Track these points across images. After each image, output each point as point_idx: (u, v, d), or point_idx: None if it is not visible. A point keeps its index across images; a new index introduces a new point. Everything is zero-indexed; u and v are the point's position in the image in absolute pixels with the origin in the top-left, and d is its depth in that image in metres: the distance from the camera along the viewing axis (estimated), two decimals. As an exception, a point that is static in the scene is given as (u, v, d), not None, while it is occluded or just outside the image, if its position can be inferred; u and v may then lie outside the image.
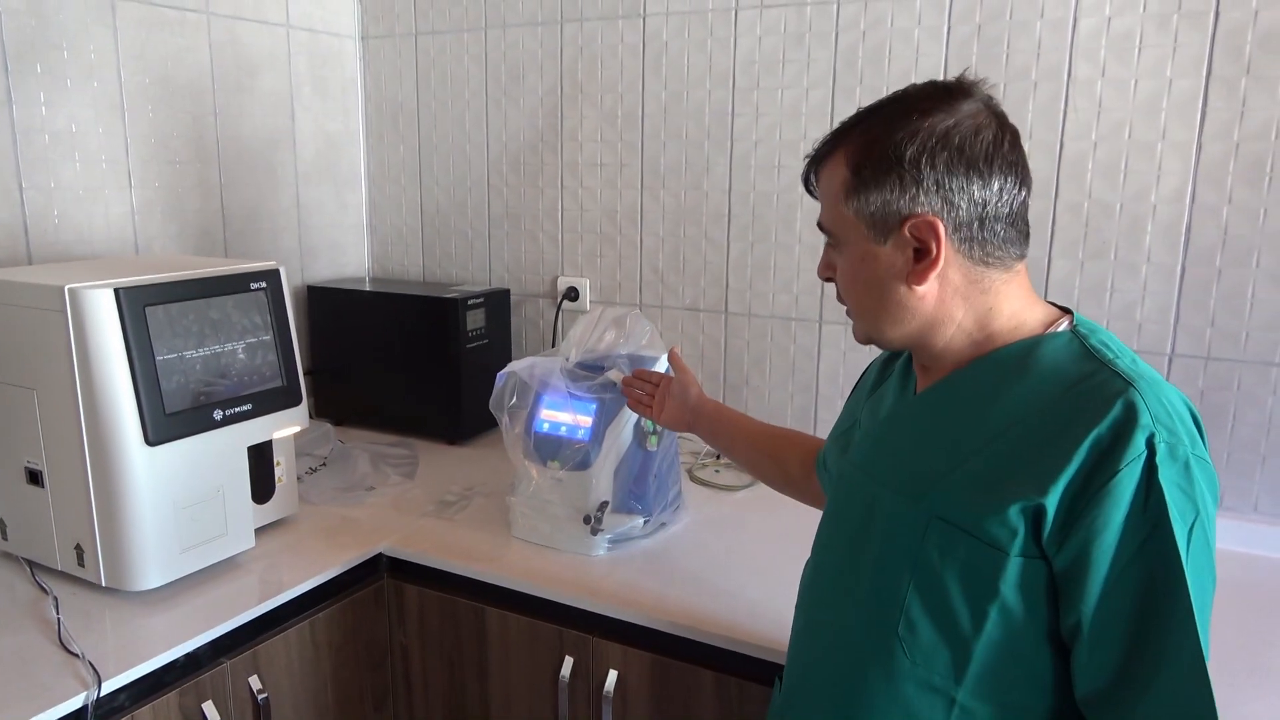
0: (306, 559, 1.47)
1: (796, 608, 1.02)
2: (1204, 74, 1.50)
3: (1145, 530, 0.74)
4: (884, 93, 0.88)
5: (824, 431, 1.21)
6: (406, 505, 1.70)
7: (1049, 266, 1.65)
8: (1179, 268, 1.57)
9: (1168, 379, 1.59)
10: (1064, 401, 0.79)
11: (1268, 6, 1.45)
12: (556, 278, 2.14)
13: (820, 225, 0.91)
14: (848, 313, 0.93)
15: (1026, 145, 1.61)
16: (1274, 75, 1.46)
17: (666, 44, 1.91)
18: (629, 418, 1.50)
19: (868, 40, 1.73)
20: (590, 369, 1.55)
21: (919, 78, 1.30)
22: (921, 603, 0.84)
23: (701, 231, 1.95)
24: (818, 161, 0.89)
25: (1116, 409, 0.76)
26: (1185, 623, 0.74)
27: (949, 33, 1.66)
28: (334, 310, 2.13)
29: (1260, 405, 1.54)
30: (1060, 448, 0.76)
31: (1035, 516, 0.77)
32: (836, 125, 0.88)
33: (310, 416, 2.10)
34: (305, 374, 1.59)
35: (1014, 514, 0.78)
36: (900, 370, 0.99)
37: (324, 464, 1.86)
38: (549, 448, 1.52)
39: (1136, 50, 1.54)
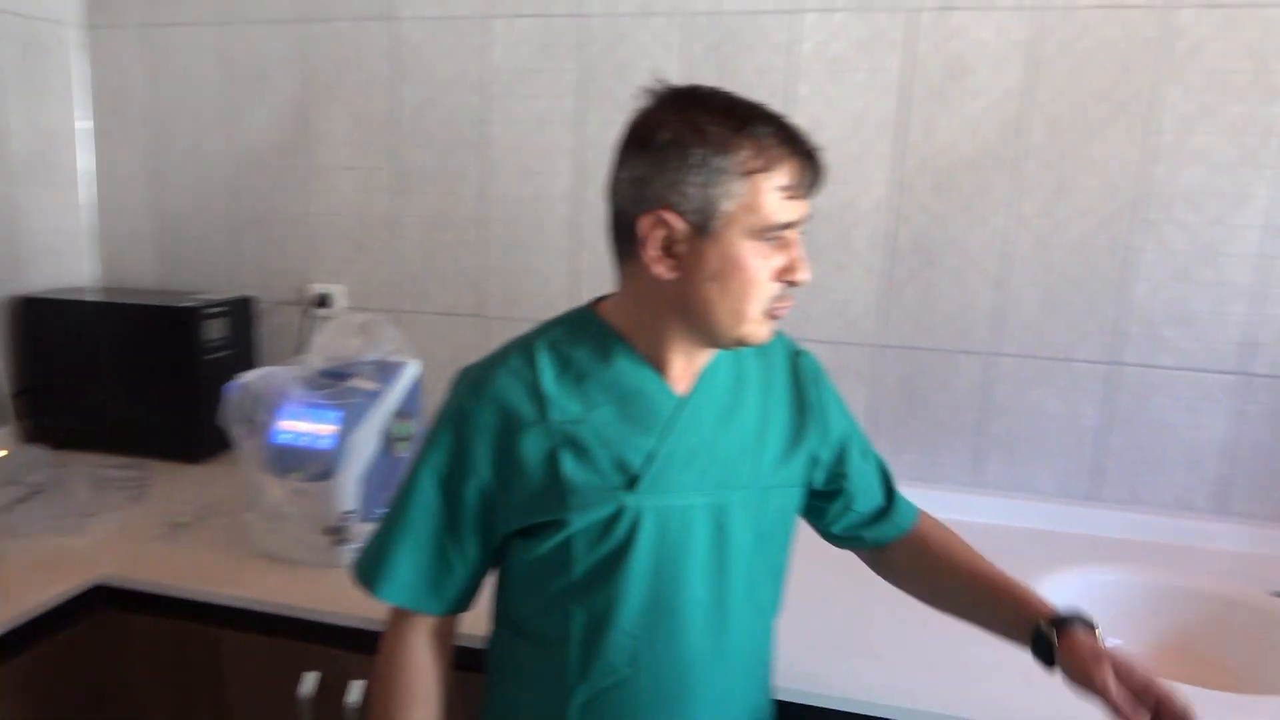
0: (8, 596, 1.33)
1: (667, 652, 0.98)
2: (900, 96, 1.68)
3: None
4: (626, 103, 0.92)
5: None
6: (133, 530, 1.57)
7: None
8: (884, 268, 1.74)
9: (877, 368, 1.76)
10: (769, 364, 1.04)
11: (951, 38, 1.64)
12: (307, 284, 2.06)
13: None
14: (786, 311, 0.94)
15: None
16: (956, 97, 1.65)
17: (419, 48, 1.90)
18: (376, 423, 1.47)
19: (616, 53, 1.79)
20: (335, 376, 1.51)
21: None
22: (776, 560, 1.05)
23: (457, 236, 1.94)
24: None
25: (783, 353, 1.06)
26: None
27: (688, 50, 1.76)
28: (53, 323, 1.94)
29: (950, 388, 1.74)
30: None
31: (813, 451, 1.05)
32: (779, 113, 0.89)
33: (23, 440, 1.90)
34: (15, 394, 1.44)
35: (806, 457, 1.04)
36: (600, 385, 0.95)
37: (37, 491, 1.68)
38: (289, 459, 1.45)
39: (846, 73, 1.69)
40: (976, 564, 1.07)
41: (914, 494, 1.18)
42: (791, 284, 0.91)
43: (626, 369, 0.95)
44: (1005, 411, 1.74)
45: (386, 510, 1.01)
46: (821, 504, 1.10)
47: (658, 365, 0.96)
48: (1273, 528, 1.64)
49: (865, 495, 1.11)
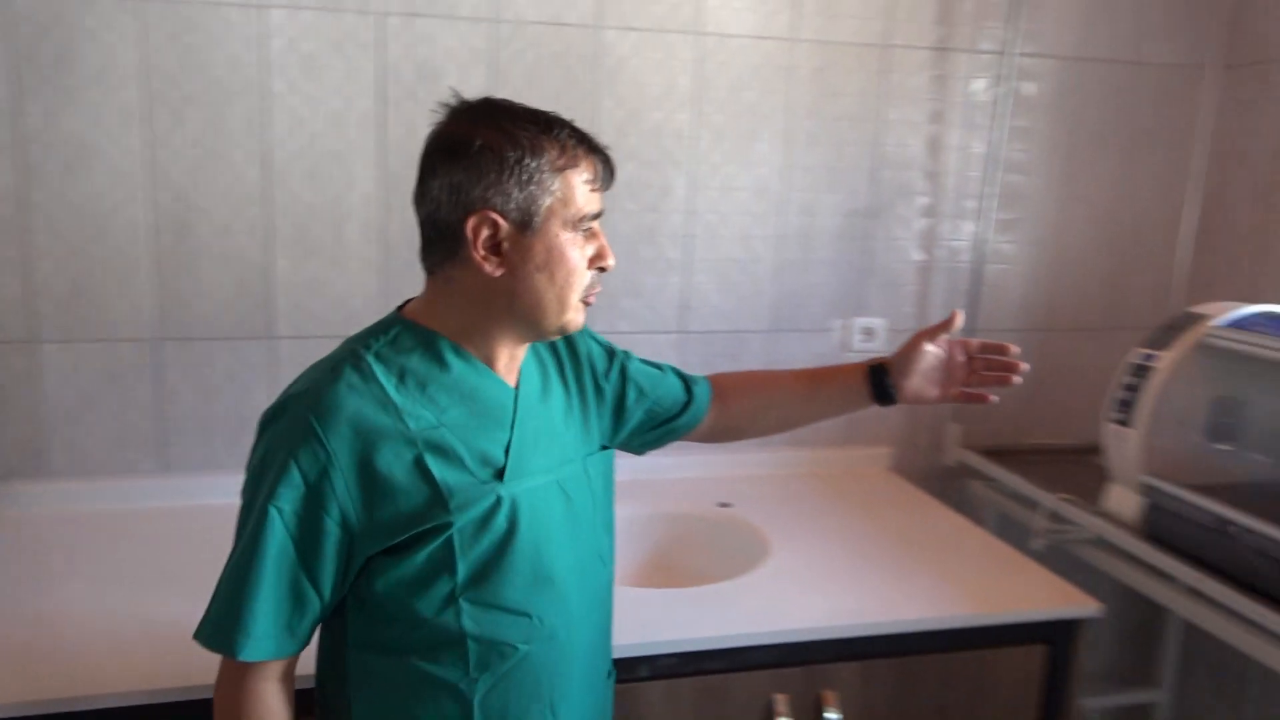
0: None
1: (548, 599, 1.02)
2: (377, 96, 1.75)
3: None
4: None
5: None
6: None
7: (274, 266, 1.75)
8: (380, 261, 1.81)
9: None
10: (553, 349, 1.13)
11: (419, 43, 1.75)
12: None
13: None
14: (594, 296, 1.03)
15: (237, 155, 1.75)
16: (429, 98, 1.76)
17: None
18: None
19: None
20: None
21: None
22: (607, 515, 1.15)
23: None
24: None
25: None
26: None
27: (145, 41, 1.63)
28: None
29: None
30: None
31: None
32: (574, 124, 0.98)
33: None
34: None
35: (600, 416, 1.16)
36: (443, 389, 0.98)
37: None
38: None
39: (322, 71, 1.72)
40: (777, 376, 1.33)
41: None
42: (602, 269, 1.00)
43: (464, 370, 0.99)
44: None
45: (230, 562, 0.93)
46: (655, 430, 1.25)
47: (489, 362, 1.01)
48: (709, 453, 2.04)
49: (669, 396, 1.25)
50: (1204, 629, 1.52)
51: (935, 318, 2.07)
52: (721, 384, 1.32)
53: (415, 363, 0.97)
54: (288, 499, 0.90)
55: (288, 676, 0.97)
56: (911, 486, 2.05)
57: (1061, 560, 1.81)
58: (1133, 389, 1.66)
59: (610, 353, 1.20)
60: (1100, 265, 2.18)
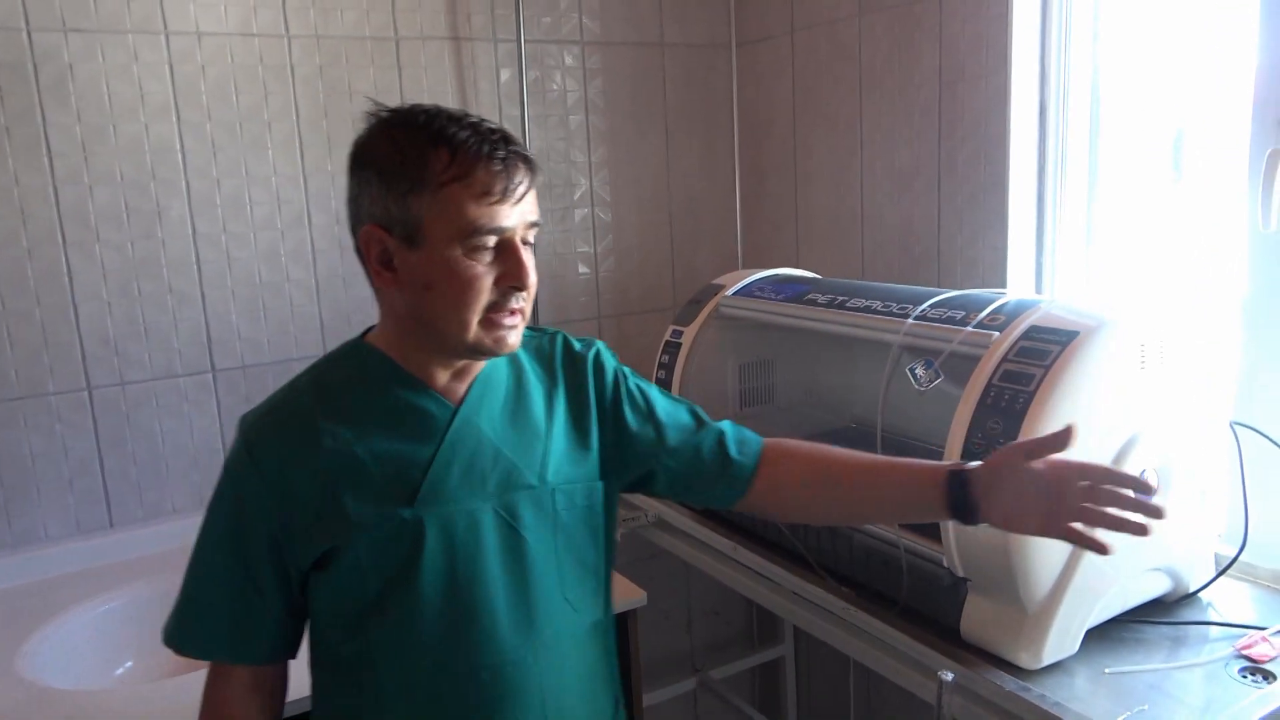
0: None
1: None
2: (295, 116, 1.75)
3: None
4: None
5: None
6: None
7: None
8: (314, 281, 1.81)
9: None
10: (549, 365, 1.06)
11: (332, 64, 1.76)
12: None
13: (540, 224, 0.95)
14: (520, 315, 0.95)
15: (152, 186, 1.64)
16: (345, 114, 1.48)
17: None
18: None
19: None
20: None
21: None
22: (585, 556, 1.04)
23: None
24: (531, 158, 0.93)
25: (562, 352, 1.08)
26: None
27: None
28: None
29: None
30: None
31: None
32: (486, 123, 0.92)
33: None
34: None
35: (603, 451, 1.06)
36: (368, 407, 0.96)
37: None
38: None
39: (235, 96, 1.69)
40: (840, 459, 1.06)
41: None
42: (515, 289, 0.92)
43: (393, 387, 0.96)
44: (-18, 466, 1.59)
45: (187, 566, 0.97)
46: (668, 492, 1.11)
47: (424, 378, 0.97)
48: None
49: (696, 466, 1.08)
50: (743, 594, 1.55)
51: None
52: (777, 455, 1.10)
53: (345, 381, 0.98)
54: (223, 512, 0.96)
55: (260, 688, 0.98)
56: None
57: (640, 546, 1.80)
58: (667, 367, 1.66)
59: (643, 394, 1.10)
60: (662, 245, 2.21)
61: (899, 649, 1.23)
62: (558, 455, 1.02)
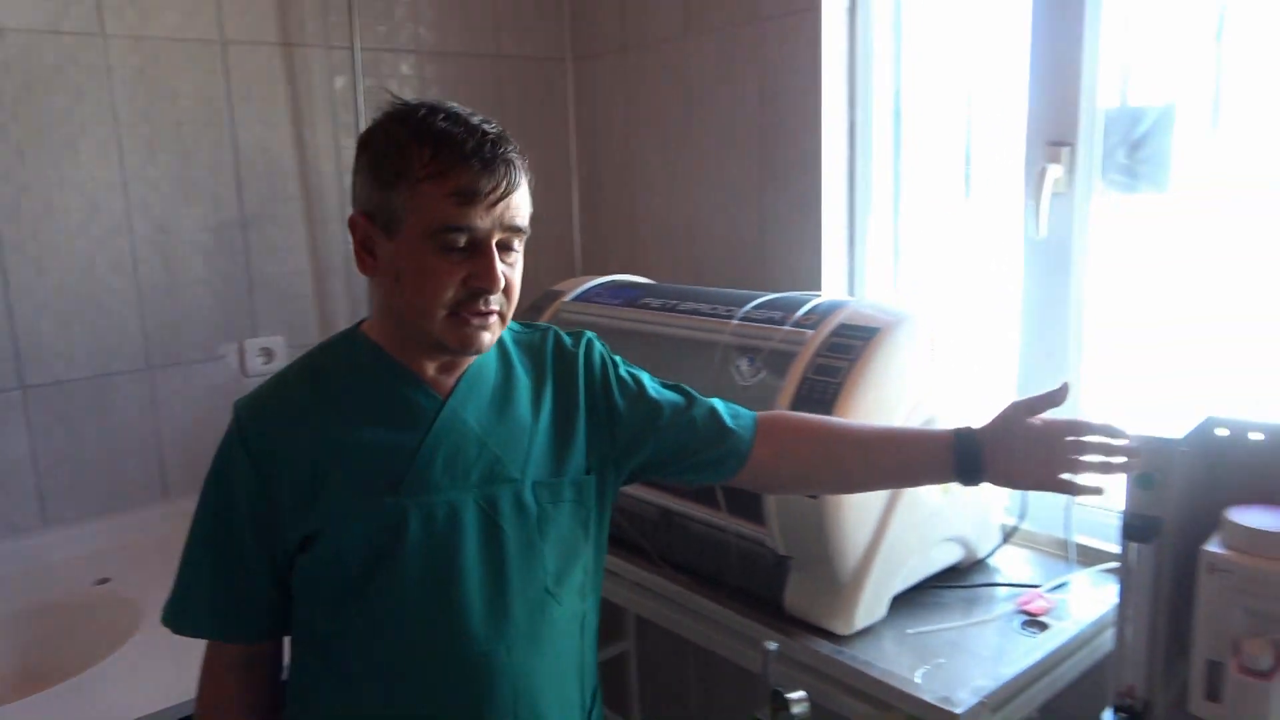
0: None
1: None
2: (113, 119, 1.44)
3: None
4: None
5: None
6: None
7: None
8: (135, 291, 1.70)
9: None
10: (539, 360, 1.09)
11: (153, 66, 1.36)
12: None
13: (523, 229, 0.96)
14: (495, 317, 0.96)
15: None
16: (169, 118, 1.31)
17: None
18: None
19: None
20: None
21: None
22: (571, 548, 1.04)
23: None
24: (519, 161, 0.95)
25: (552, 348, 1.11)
26: None
27: None
28: None
29: None
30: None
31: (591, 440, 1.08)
32: (482, 125, 0.93)
33: None
34: None
35: (590, 445, 1.07)
36: (357, 395, 0.98)
37: None
38: None
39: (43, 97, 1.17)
40: (844, 428, 1.12)
41: None
42: (482, 290, 0.92)
43: (383, 376, 0.98)
44: None
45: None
46: (670, 470, 1.12)
47: (414, 369, 0.98)
48: (90, 523, 1.74)
49: (693, 439, 1.10)
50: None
51: (336, 325, 1.97)
52: (773, 424, 1.12)
53: (337, 369, 0.99)
54: (212, 492, 0.98)
55: (254, 665, 1.01)
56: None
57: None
58: (509, 371, 1.70)
59: (633, 379, 1.12)
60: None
61: (731, 626, 1.32)
62: (543, 450, 1.03)
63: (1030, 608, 1.30)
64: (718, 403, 1.13)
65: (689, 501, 1.43)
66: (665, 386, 1.14)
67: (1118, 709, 1.05)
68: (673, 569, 1.46)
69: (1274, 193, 1.35)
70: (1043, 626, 1.26)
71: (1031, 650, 1.19)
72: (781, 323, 1.36)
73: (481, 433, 1.00)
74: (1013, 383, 1.54)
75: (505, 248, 0.94)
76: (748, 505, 1.31)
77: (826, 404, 1.20)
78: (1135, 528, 1.02)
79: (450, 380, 1.01)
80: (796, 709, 1.06)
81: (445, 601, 0.97)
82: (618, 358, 1.14)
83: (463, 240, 0.91)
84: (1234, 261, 1.39)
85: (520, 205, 0.95)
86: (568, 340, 1.12)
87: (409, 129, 0.91)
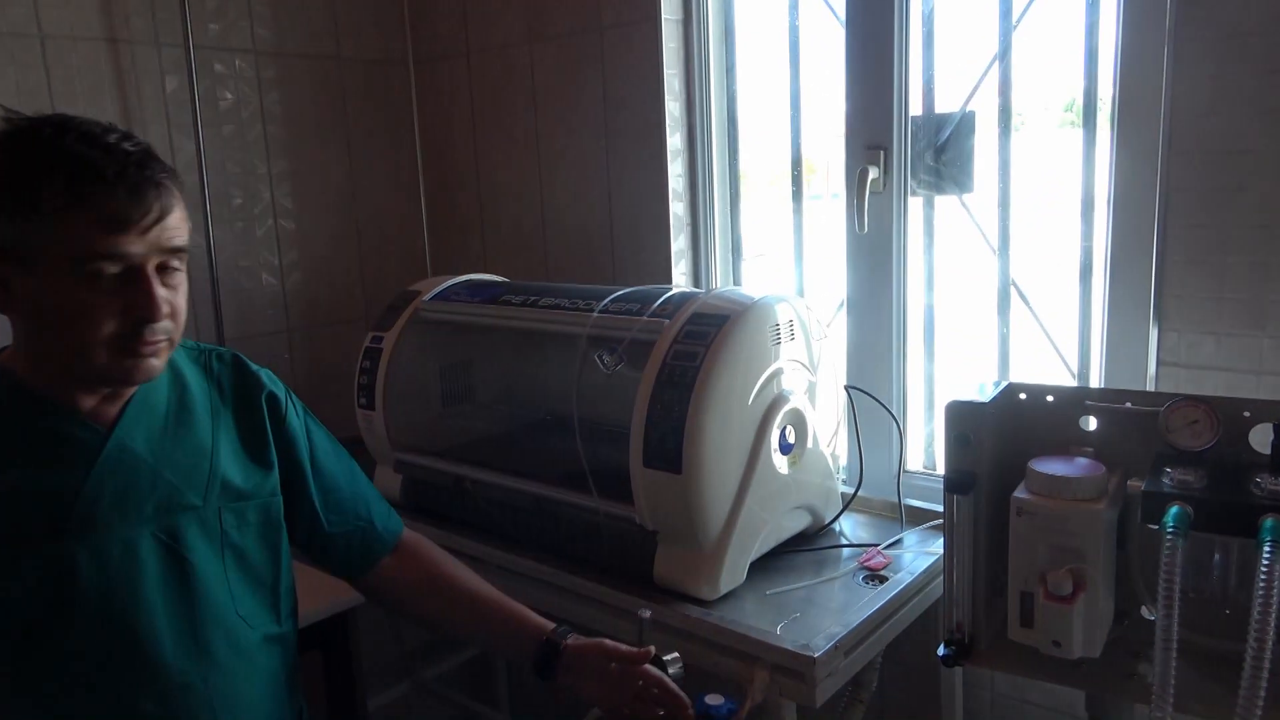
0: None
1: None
2: None
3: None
4: None
5: None
6: None
7: None
8: None
9: None
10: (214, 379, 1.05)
11: None
12: None
13: (183, 249, 0.90)
14: (164, 343, 0.90)
15: None
16: None
17: None
18: None
19: None
20: None
21: None
22: (262, 573, 1.04)
23: None
24: (167, 181, 0.88)
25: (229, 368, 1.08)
26: None
27: None
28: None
29: None
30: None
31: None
32: (121, 144, 0.86)
33: None
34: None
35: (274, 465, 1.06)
36: (3, 437, 0.90)
37: None
38: None
39: None
40: (471, 582, 1.16)
41: None
42: (144, 321, 0.86)
43: (28, 414, 0.90)
44: None
45: None
46: (312, 533, 1.11)
47: (66, 402, 0.91)
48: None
49: (337, 512, 1.12)
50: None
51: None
52: (414, 548, 1.19)
53: None
54: None
55: None
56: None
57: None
58: (369, 372, 1.70)
59: (308, 430, 1.12)
60: (350, 256, 2.22)
61: (606, 600, 1.39)
62: (225, 473, 1.00)
63: (870, 564, 1.44)
64: (379, 502, 1.18)
65: (560, 488, 1.50)
66: (339, 454, 1.16)
67: (948, 643, 1.19)
68: (541, 551, 1.51)
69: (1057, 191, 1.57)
70: (882, 580, 1.40)
71: (874, 600, 1.32)
72: (640, 314, 1.44)
73: (155, 462, 0.95)
74: (843, 364, 1.70)
75: (165, 270, 0.88)
76: (615, 488, 1.39)
77: (686, 386, 1.29)
78: (955, 482, 1.16)
79: (113, 409, 0.94)
80: (673, 669, 1.14)
81: (130, 643, 0.92)
82: (299, 403, 1.13)
83: (115, 269, 0.85)
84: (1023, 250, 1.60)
85: (177, 226, 0.88)
86: (251, 365, 1.10)
87: (37, 152, 0.83)
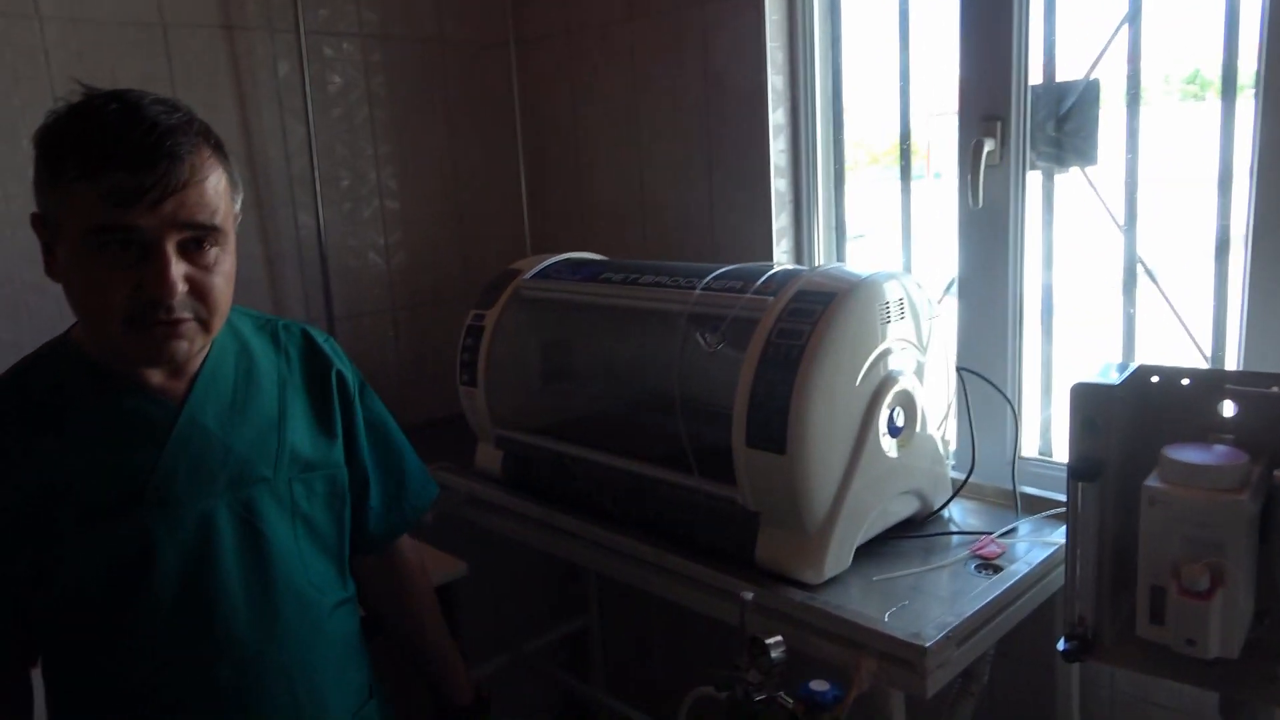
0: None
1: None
2: (54, 104, 1.28)
3: None
4: None
5: None
6: None
7: None
8: None
9: None
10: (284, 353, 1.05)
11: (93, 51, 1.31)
12: None
13: (211, 226, 0.86)
14: (190, 325, 0.87)
15: None
16: None
17: None
18: None
19: None
20: None
21: None
22: (329, 541, 1.05)
23: None
24: (190, 153, 0.84)
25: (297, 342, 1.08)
26: None
27: None
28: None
29: None
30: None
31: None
32: (159, 116, 0.85)
33: None
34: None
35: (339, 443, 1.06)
36: (75, 412, 0.90)
37: None
38: None
39: None
40: (426, 621, 1.26)
41: None
42: (154, 298, 0.83)
43: (101, 391, 0.90)
44: None
45: None
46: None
47: (135, 377, 0.91)
48: None
49: (369, 494, 1.13)
50: (571, 559, 1.64)
51: (292, 310, 1.96)
52: (402, 565, 1.25)
53: (50, 386, 0.91)
54: None
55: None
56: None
57: (457, 526, 1.84)
58: (471, 350, 1.72)
59: (377, 412, 1.15)
60: (452, 236, 2.25)
61: (705, 581, 1.37)
62: (294, 445, 1.00)
63: (983, 552, 1.39)
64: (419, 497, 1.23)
65: (660, 467, 1.48)
66: (400, 442, 1.20)
67: (1069, 637, 1.13)
68: (642, 531, 1.50)
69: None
70: (996, 569, 1.35)
71: (988, 590, 1.27)
72: (742, 291, 1.41)
73: (225, 436, 0.95)
74: (954, 346, 1.63)
75: (194, 248, 0.85)
76: (717, 468, 1.36)
77: (791, 365, 1.25)
78: (1081, 469, 1.10)
79: (181, 384, 0.94)
80: (775, 653, 1.12)
81: (206, 615, 0.93)
82: (364, 382, 1.16)
83: (128, 243, 0.82)
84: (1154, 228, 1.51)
85: (202, 202, 0.84)
86: (319, 337, 1.10)
87: (72, 123, 0.83)
